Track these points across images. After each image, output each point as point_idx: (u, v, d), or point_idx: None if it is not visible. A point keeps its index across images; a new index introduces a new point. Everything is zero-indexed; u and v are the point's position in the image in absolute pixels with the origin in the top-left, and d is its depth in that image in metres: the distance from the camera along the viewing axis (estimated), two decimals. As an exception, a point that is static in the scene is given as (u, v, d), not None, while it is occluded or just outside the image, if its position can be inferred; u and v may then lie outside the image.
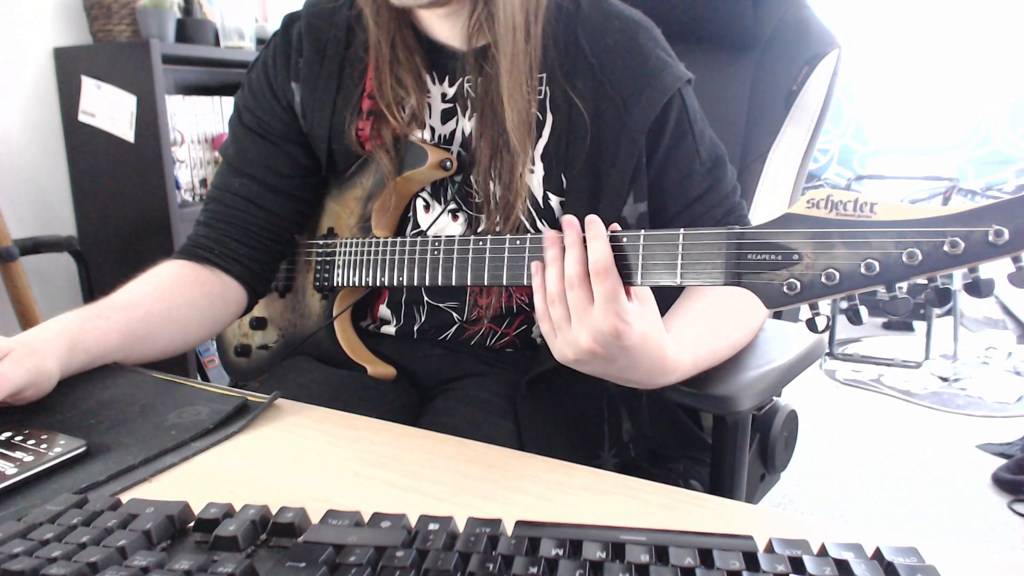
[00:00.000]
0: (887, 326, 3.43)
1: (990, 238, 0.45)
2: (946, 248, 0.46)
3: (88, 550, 0.38)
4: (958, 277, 0.49)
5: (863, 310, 0.51)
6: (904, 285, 0.49)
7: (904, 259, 0.47)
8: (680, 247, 0.57)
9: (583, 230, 0.60)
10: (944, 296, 0.48)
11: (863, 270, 0.48)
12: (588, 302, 0.58)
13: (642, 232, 0.58)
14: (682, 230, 0.57)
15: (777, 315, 0.96)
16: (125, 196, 1.89)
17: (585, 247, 0.59)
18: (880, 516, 1.94)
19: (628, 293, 0.59)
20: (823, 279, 0.50)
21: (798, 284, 0.51)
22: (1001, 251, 0.44)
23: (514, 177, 0.77)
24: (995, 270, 0.46)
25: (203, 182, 2.07)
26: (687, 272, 0.56)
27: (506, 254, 0.67)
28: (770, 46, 1.01)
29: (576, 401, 0.79)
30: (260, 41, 2.19)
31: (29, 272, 1.73)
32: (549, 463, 0.54)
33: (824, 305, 0.53)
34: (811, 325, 0.54)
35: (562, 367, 0.64)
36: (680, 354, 0.65)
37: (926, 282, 0.48)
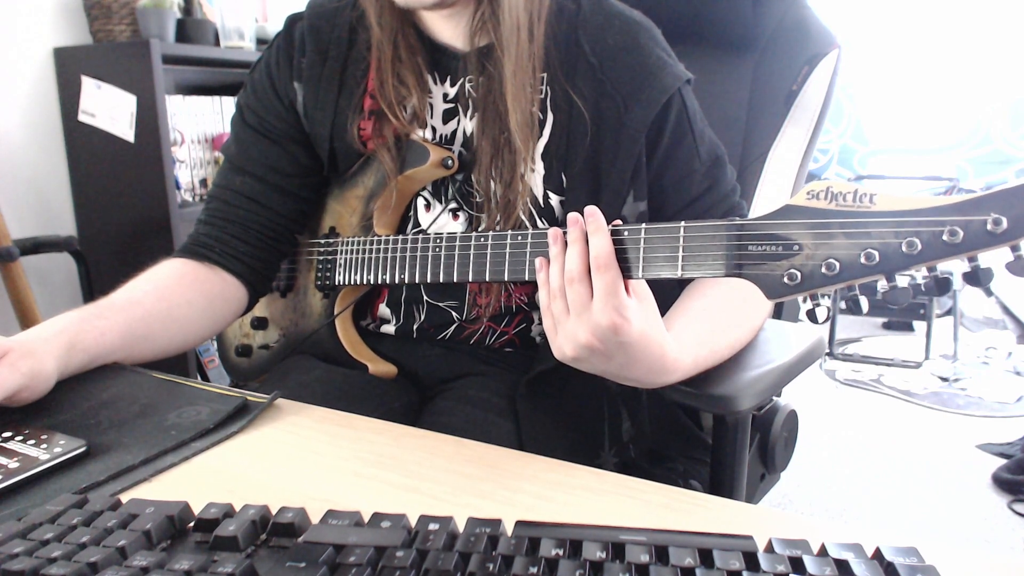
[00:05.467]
0: (887, 326, 3.43)
1: (989, 227, 0.45)
2: (945, 237, 0.46)
3: (88, 550, 0.38)
4: (957, 273, 0.49)
5: (863, 300, 0.51)
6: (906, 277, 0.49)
7: (903, 248, 0.47)
8: (681, 239, 0.57)
9: (585, 227, 0.60)
10: (944, 285, 0.48)
11: (863, 260, 0.49)
12: (588, 297, 0.58)
13: (643, 225, 0.58)
14: (683, 223, 0.57)
15: (778, 309, 0.96)
16: (125, 196, 1.89)
17: (587, 243, 0.59)
18: (880, 516, 1.94)
19: (627, 289, 0.59)
20: (823, 269, 0.50)
21: (798, 275, 0.51)
22: (1000, 240, 0.45)
23: (515, 176, 0.77)
24: (993, 260, 0.46)
25: (203, 182, 2.07)
26: (688, 264, 0.56)
27: (507, 250, 0.67)
28: (770, 46, 1.01)
29: (576, 401, 0.79)
30: (260, 41, 2.19)
31: (29, 272, 1.73)
32: (549, 463, 0.54)
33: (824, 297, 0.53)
34: (811, 316, 0.54)
35: (562, 366, 0.64)
36: (680, 353, 0.64)
37: (926, 272, 0.48)
